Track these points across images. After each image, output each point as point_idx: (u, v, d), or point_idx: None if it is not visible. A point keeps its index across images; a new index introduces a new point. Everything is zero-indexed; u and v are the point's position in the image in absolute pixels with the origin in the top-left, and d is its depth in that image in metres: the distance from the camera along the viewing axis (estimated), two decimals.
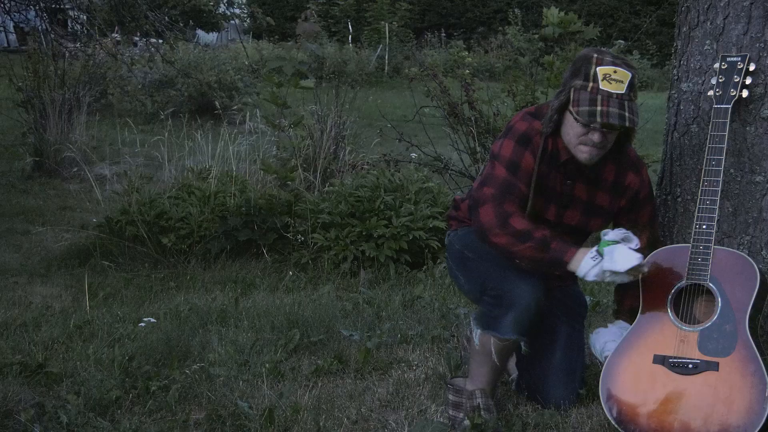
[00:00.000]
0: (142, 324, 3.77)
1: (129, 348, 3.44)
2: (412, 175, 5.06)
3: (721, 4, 2.91)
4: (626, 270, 2.62)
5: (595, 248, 2.68)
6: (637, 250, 2.66)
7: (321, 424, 2.81)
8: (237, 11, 16.19)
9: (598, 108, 2.63)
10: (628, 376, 2.73)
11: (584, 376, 3.00)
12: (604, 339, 2.89)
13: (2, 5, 8.27)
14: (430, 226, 4.69)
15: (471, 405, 2.83)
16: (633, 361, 2.73)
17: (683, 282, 2.73)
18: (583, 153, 2.73)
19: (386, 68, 16.79)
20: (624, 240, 2.69)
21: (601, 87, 2.64)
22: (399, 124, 7.54)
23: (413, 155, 7.29)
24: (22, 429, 2.74)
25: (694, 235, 2.72)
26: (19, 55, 9.07)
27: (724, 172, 2.87)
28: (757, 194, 2.89)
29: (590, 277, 2.67)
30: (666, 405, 2.64)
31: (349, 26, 19.70)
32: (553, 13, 5.49)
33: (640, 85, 15.85)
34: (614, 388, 2.73)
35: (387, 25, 17.51)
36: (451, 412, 2.87)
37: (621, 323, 2.91)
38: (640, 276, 2.70)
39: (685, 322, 2.71)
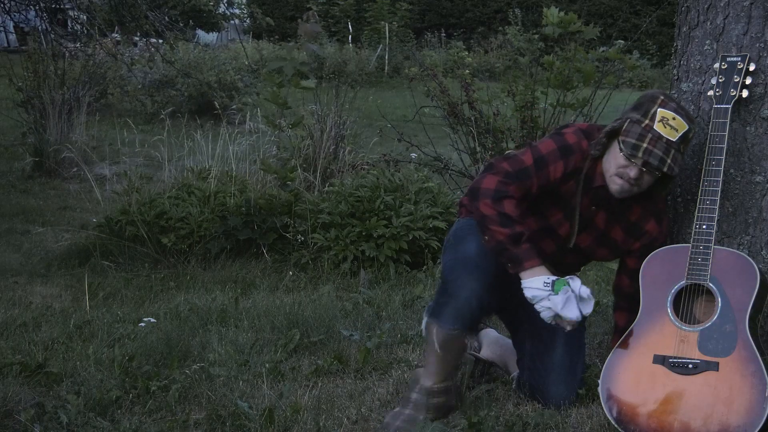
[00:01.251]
0: (142, 324, 3.77)
1: (129, 348, 3.44)
2: (412, 175, 5.06)
3: (721, 4, 2.91)
4: (564, 318, 2.68)
5: (554, 278, 2.69)
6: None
7: (321, 424, 2.81)
8: (237, 11, 16.20)
9: (644, 145, 2.67)
10: (628, 376, 2.73)
11: (584, 376, 3.00)
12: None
13: (2, 5, 8.28)
14: (430, 226, 4.69)
15: (405, 396, 2.86)
16: (633, 361, 2.74)
17: (683, 282, 2.73)
18: (615, 184, 2.76)
19: (386, 68, 16.79)
20: (581, 299, 2.71)
21: (654, 127, 2.69)
22: (399, 124, 7.54)
23: (413, 155, 7.29)
24: (22, 429, 2.74)
25: (694, 235, 2.73)
26: (19, 55, 9.07)
27: (723, 172, 2.88)
28: (757, 194, 2.89)
29: (527, 293, 2.70)
30: (666, 405, 2.64)
31: (349, 26, 19.70)
32: (553, 13, 5.48)
33: (640, 84, 15.83)
34: (614, 388, 2.73)
35: (387, 25, 17.51)
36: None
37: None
38: (566, 328, 2.74)
39: (684, 322, 2.71)
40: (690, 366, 2.64)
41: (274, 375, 3.20)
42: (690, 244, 2.73)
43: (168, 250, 4.87)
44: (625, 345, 2.78)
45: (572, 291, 2.70)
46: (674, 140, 2.68)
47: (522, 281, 2.71)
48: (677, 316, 2.72)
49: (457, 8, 21.70)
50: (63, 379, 3.13)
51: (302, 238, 4.87)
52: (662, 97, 2.73)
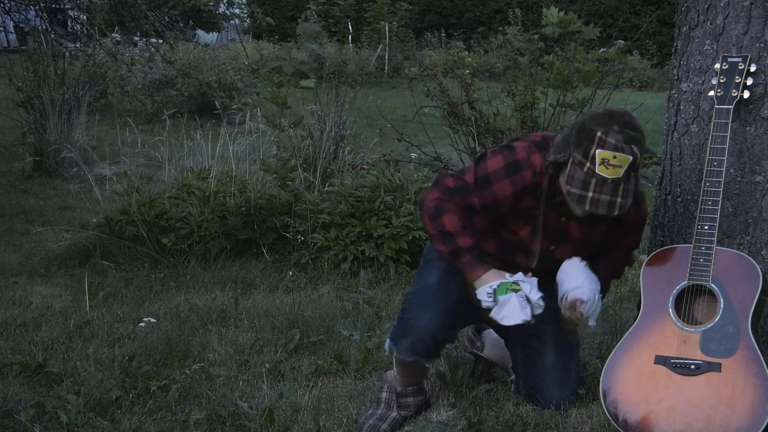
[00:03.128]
0: (142, 324, 3.77)
1: (129, 348, 3.44)
2: (412, 175, 5.06)
3: (721, 4, 2.91)
4: (509, 324, 2.68)
5: (494, 286, 2.69)
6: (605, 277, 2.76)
7: (321, 424, 2.81)
8: (237, 11, 16.19)
9: (589, 194, 2.58)
10: (629, 376, 2.72)
11: (582, 376, 3.00)
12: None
13: (2, 5, 8.28)
14: None
15: (376, 397, 2.95)
16: (634, 362, 2.73)
17: (685, 282, 2.73)
18: (576, 210, 2.72)
19: (386, 68, 16.79)
20: (530, 302, 2.69)
21: (597, 171, 2.57)
22: (399, 124, 7.54)
23: (413, 155, 7.29)
24: (22, 429, 2.74)
25: (696, 236, 2.72)
26: (19, 55, 9.06)
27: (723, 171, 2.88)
28: (757, 194, 2.88)
29: (482, 303, 2.72)
30: (667, 406, 2.63)
31: (349, 26, 19.70)
32: (553, 13, 5.48)
33: (640, 84, 15.77)
34: (615, 388, 2.73)
35: (387, 25, 17.51)
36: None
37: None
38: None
39: (685, 322, 2.71)
40: (692, 367, 2.64)
41: (274, 375, 3.21)
42: (692, 245, 2.73)
43: (168, 250, 4.87)
44: (626, 345, 2.78)
45: (517, 296, 2.68)
46: (620, 177, 2.57)
47: (474, 292, 2.74)
48: (679, 317, 2.71)
49: (457, 8, 21.70)
50: (63, 379, 3.13)
51: (302, 238, 4.87)
52: (599, 134, 2.56)
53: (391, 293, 4.24)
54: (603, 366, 2.80)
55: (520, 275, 2.74)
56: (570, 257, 2.85)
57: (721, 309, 2.67)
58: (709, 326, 2.67)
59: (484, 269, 2.72)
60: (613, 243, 2.92)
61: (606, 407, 2.72)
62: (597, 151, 2.57)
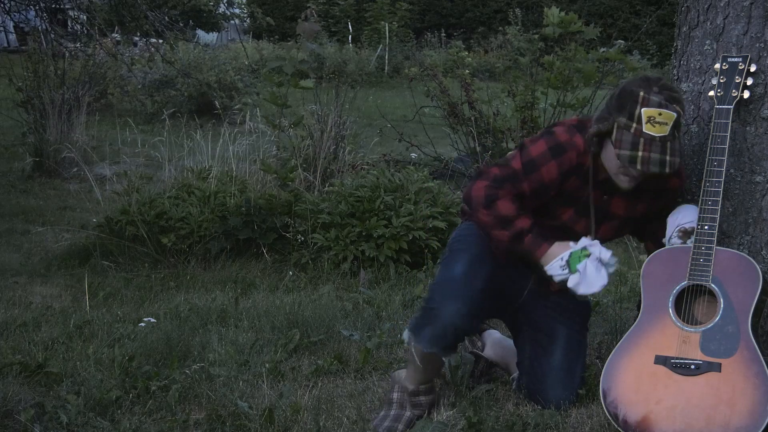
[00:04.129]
0: (142, 324, 3.77)
1: (129, 348, 3.44)
2: (412, 175, 5.05)
3: (721, 4, 2.90)
4: (593, 290, 2.74)
5: (567, 255, 2.72)
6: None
7: (321, 424, 2.81)
8: (237, 11, 16.19)
9: (639, 154, 2.63)
10: (629, 376, 2.72)
11: (584, 377, 3.00)
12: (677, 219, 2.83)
13: (2, 5, 8.28)
14: (430, 226, 4.69)
15: (387, 398, 2.93)
16: (634, 361, 2.73)
17: (685, 282, 2.73)
18: (623, 182, 2.76)
19: (386, 68, 16.79)
20: (604, 264, 2.74)
21: (644, 130, 2.62)
22: (399, 124, 7.56)
23: (413, 155, 7.29)
24: (22, 429, 2.74)
25: (696, 236, 2.72)
26: (19, 55, 9.07)
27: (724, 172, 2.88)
28: (757, 194, 2.88)
29: (555, 279, 2.77)
30: (667, 405, 2.63)
31: (349, 26, 19.70)
32: (553, 13, 5.49)
33: None
34: (615, 388, 2.72)
35: (387, 25, 17.51)
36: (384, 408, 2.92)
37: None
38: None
39: (685, 322, 2.71)
40: (692, 367, 2.63)
41: (274, 375, 3.20)
42: (692, 245, 2.73)
43: (168, 250, 4.87)
44: (626, 345, 2.77)
45: (590, 262, 2.72)
46: (667, 134, 2.63)
47: (545, 270, 2.76)
48: (679, 317, 2.71)
49: (457, 8, 21.71)
50: (63, 379, 3.13)
51: (302, 238, 4.87)
52: (642, 94, 2.63)
53: (391, 293, 4.24)
54: (603, 366, 2.80)
55: (584, 240, 2.77)
56: (613, 236, 2.91)
57: (721, 309, 2.66)
58: (709, 326, 2.67)
59: (549, 243, 2.74)
60: (655, 216, 2.91)
61: (606, 407, 2.72)
62: (642, 110, 2.61)
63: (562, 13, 5.54)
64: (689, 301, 2.73)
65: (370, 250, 4.63)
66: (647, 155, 2.63)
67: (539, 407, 2.92)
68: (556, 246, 2.76)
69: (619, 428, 2.68)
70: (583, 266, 2.73)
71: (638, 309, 2.83)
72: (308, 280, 4.58)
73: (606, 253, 2.75)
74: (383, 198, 4.77)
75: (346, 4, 19.69)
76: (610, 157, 2.73)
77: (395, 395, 2.91)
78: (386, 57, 16.95)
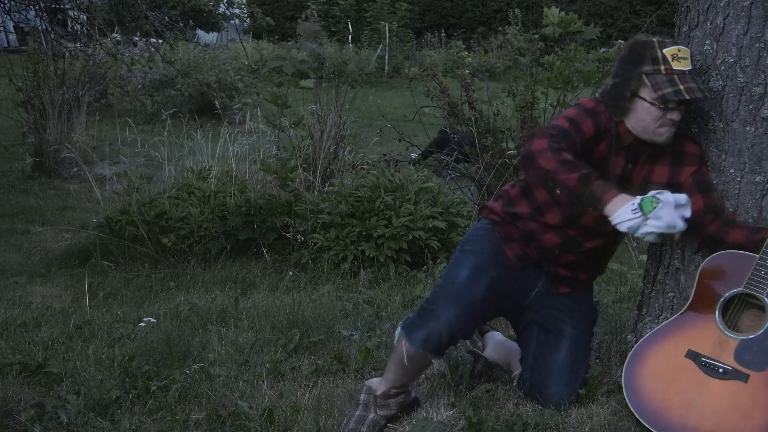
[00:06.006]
0: (142, 324, 3.77)
1: (129, 348, 3.44)
2: (412, 175, 5.05)
3: (721, 4, 2.90)
4: (673, 226, 2.58)
5: (638, 200, 2.60)
6: (687, 219, 2.62)
7: (321, 424, 2.81)
8: (237, 11, 16.20)
9: (681, 87, 2.71)
10: (657, 361, 2.73)
11: (585, 378, 3.00)
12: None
13: (2, 5, 8.28)
14: (430, 226, 4.69)
15: (354, 399, 2.91)
16: (666, 349, 2.74)
17: (739, 289, 2.71)
18: (662, 135, 2.78)
19: (386, 68, 16.80)
20: (678, 206, 2.62)
21: (674, 67, 2.73)
22: (399, 124, 7.55)
23: (413, 155, 7.29)
24: (22, 429, 2.74)
25: (766, 247, 2.70)
26: (19, 55, 9.06)
27: (724, 172, 2.88)
28: (757, 194, 2.88)
29: (623, 228, 2.60)
30: (684, 399, 2.64)
31: (349, 26, 19.71)
32: (553, 13, 5.49)
33: None
34: (639, 369, 2.74)
35: (387, 25, 17.51)
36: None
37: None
38: (675, 238, 2.70)
39: (727, 327, 2.71)
40: (720, 370, 2.64)
41: (274, 375, 3.20)
42: (758, 255, 2.70)
43: (168, 250, 4.87)
44: (663, 331, 2.79)
45: (665, 203, 2.59)
46: (691, 68, 2.76)
47: (610, 218, 2.63)
48: (723, 321, 2.71)
49: (457, 8, 21.71)
50: (63, 379, 3.13)
51: (302, 238, 4.87)
52: (655, 40, 2.77)
53: (391, 293, 4.24)
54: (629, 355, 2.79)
55: (652, 191, 2.65)
56: None
57: (766, 324, 2.65)
58: (749, 337, 2.66)
59: (616, 189, 2.65)
60: (694, 188, 2.84)
61: (625, 383, 2.73)
62: (663, 51, 2.74)
63: (562, 13, 5.54)
64: (738, 309, 2.73)
65: (370, 250, 4.63)
66: (687, 86, 2.71)
67: (540, 407, 2.92)
68: (624, 195, 2.64)
69: (632, 407, 2.69)
70: (660, 206, 2.58)
71: (685, 301, 2.83)
72: (308, 280, 4.58)
73: (681, 197, 2.65)
74: (383, 198, 4.77)
75: (346, 4, 19.69)
76: (641, 116, 2.77)
77: (362, 396, 2.91)
78: (386, 57, 16.95)
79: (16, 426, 2.76)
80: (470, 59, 12.71)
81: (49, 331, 3.71)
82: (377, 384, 2.93)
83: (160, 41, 9.19)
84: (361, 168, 6.00)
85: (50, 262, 5.00)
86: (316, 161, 5.78)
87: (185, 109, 10.18)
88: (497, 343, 3.26)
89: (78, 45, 8.95)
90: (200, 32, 18.79)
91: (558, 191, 2.69)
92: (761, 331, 2.65)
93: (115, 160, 7.37)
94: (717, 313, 2.72)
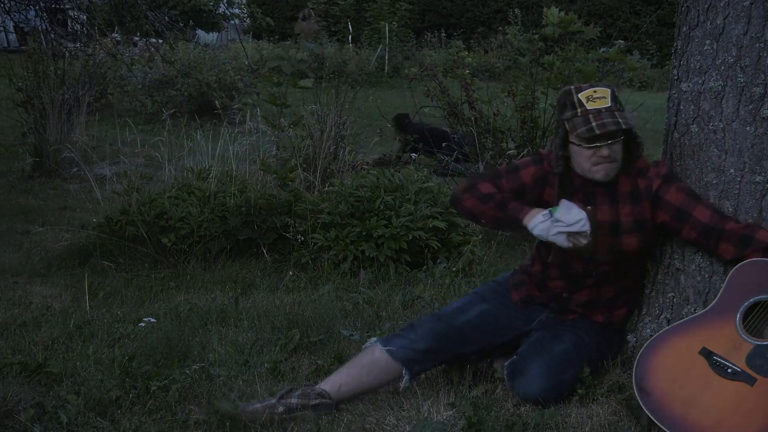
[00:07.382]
0: (142, 324, 3.77)
1: (129, 348, 3.44)
2: (412, 175, 5.05)
3: (721, 4, 2.91)
4: (573, 222, 2.82)
5: (545, 211, 2.89)
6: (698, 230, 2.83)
7: (321, 424, 2.81)
8: (237, 11, 16.21)
9: (593, 123, 2.82)
10: (670, 354, 2.76)
11: (582, 378, 2.99)
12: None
13: (2, 5, 8.27)
14: (430, 226, 4.69)
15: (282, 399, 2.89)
16: (681, 344, 2.77)
17: (765, 296, 2.74)
18: (599, 172, 2.92)
19: (386, 68, 16.80)
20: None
21: (588, 107, 2.86)
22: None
23: (413, 155, 7.29)
24: (22, 429, 2.74)
25: None
26: (19, 55, 9.07)
27: (724, 172, 2.88)
28: (757, 194, 2.89)
29: (536, 231, 2.88)
30: (688, 393, 2.66)
31: (349, 26, 19.71)
32: (553, 13, 5.49)
33: (640, 84, 15.78)
34: (651, 359, 2.76)
35: (387, 25, 17.52)
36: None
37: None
38: (582, 243, 2.84)
39: (746, 332, 2.72)
40: (729, 370, 2.66)
41: (274, 375, 3.20)
42: None
43: (168, 250, 4.87)
44: (682, 327, 2.82)
45: (565, 203, 2.89)
46: (609, 105, 2.84)
47: (528, 228, 2.90)
48: (743, 324, 2.73)
49: (457, 8, 21.71)
50: (63, 379, 3.13)
51: (302, 238, 4.87)
52: (573, 87, 2.92)
53: (391, 293, 4.24)
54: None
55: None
56: (611, 246, 2.98)
57: None
58: (764, 343, 2.69)
59: (530, 207, 2.94)
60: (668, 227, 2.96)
61: (635, 369, 2.76)
62: (578, 95, 2.89)
63: (562, 13, 5.55)
64: (761, 316, 2.74)
65: (370, 250, 4.63)
66: (600, 122, 2.82)
67: (539, 407, 2.90)
68: (536, 209, 2.92)
69: (636, 392, 2.72)
70: (559, 208, 2.87)
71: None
72: (308, 280, 4.58)
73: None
74: (383, 198, 4.77)
75: (346, 4, 19.69)
76: (575, 158, 2.94)
77: (283, 390, 2.91)
78: (386, 57, 16.96)
79: (16, 426, 2.76)
80: (470, 59, 12.71)
81: (49, 331, 3.71)
82: (323, 384, 2.97)
83: (160, 41, 9.19)
84: (361, 168, 6.00)
85: (50, 262, 5.00)
86: (316, 161, 5.78)
87: (185, 109, 10.19)
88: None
89: (78, 45, 8.95)
90: (200, 32, 18.80)
91: (483, 221, 3.04)
92: None
93: (115, 160, 7.37)
94: (738, 316, 2.74)
